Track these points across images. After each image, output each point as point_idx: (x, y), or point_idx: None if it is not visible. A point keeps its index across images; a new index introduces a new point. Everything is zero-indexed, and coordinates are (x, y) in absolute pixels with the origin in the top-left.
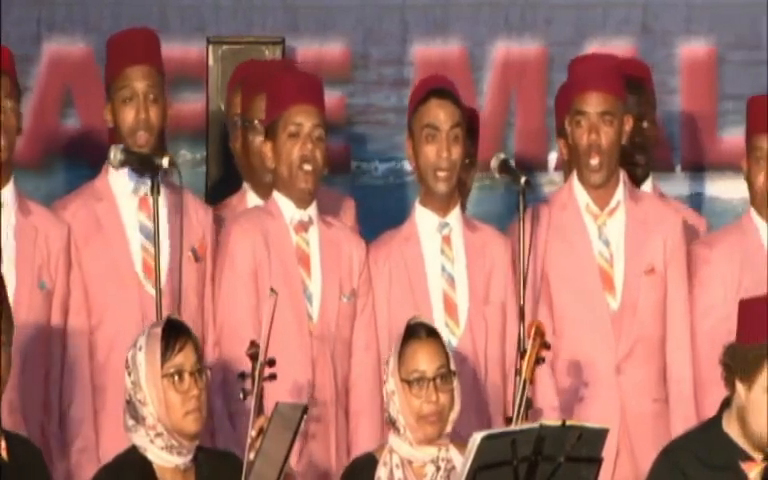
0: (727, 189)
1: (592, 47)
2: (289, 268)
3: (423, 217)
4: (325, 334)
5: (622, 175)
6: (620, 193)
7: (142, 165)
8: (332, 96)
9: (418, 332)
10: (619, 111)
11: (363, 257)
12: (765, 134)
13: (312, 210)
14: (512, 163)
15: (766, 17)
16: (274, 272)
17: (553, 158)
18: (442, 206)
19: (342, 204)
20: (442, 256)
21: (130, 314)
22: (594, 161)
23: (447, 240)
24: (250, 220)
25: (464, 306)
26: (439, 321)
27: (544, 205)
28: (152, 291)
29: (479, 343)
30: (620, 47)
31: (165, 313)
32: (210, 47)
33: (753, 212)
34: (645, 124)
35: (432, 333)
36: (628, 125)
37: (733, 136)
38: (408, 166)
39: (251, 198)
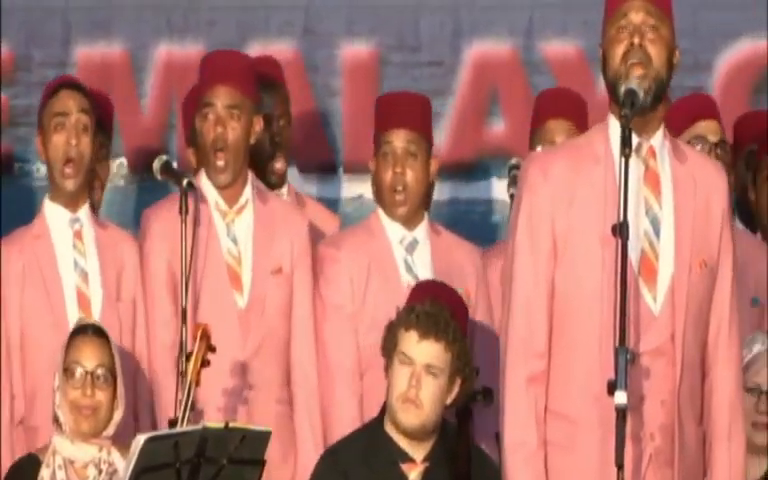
0: None
1: (254, 49)
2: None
3: (53, 213)
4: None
5: (250, 175)
6: (248, 192)
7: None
8: None
9: (85, 329)
10: (248, 109)
11: None
12: (393, 130)
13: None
14: (174, 165)
15: (425, 19)
16: None
17: None
18: (72, 201)
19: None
20: (74, 251)
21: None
22: (220, 162)
23: (79, 235)
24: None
25: (97, 302)
26: (73, 316)
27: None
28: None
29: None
30: (282, 49)
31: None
32: None
33: (380, 211)
34: (281, 123)
35: (98, 332)
36: (258, 125)
37: None
38: None
39: None
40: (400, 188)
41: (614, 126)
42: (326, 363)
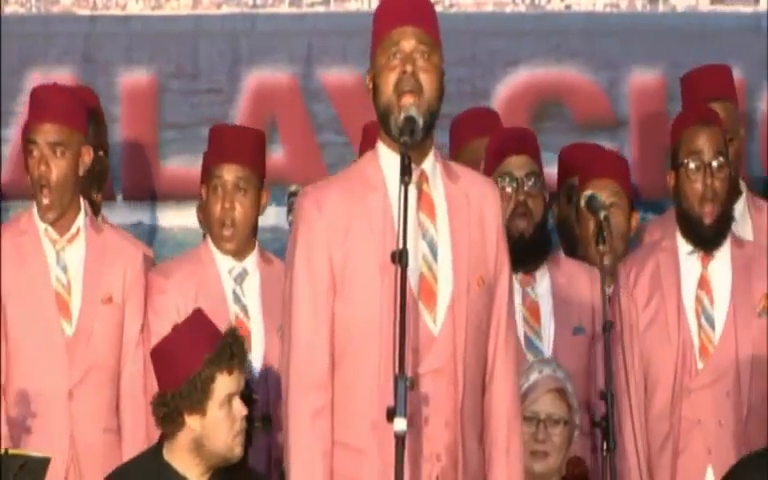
0: (169, 218)
1: (34, 76)
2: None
3: None
4: None
5: (83, 203)
6: (81, 220)
7: None
8: None
9: None
10: (75, 142)
11: None
12: (223, 164)
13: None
14: None
15: (204, 46)
16: None
17: None
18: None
19: None
20: None
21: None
22: (45, 200)
23: None
24: None
25: None
26: None
27: (5, 230)
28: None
29: None
30: (63, 76)
31: None
32: None
33: (210, 241)
34: (101, 153)
35: None
36: (88, 156)
37: (175, 165)
38: None
39: None
40: (228, 223)
41: (385, 153)
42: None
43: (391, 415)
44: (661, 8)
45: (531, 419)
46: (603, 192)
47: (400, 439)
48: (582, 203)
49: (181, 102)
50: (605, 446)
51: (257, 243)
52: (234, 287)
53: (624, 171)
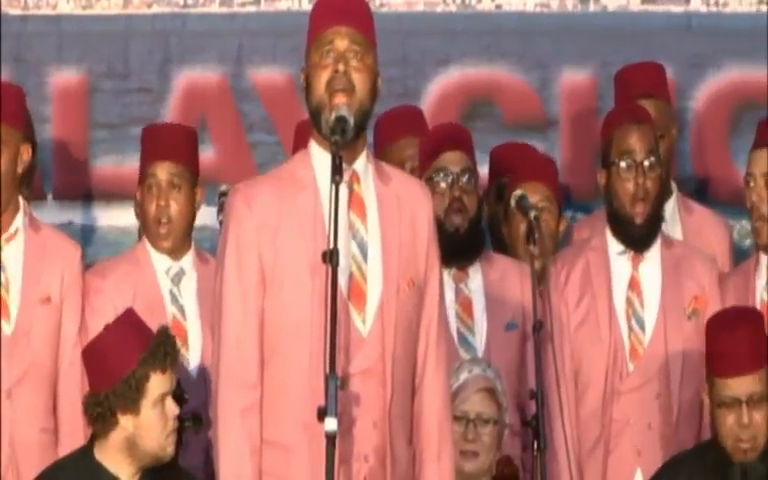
0: (100, 217)
1: None
2: None
3: None
4: None
5: (23, 203)
6: (19, 220)
7: None
8: None
9: None
10: (13, 139)
11: None
12: (157, 162)
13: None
14: None
15: (135, 46)
16: None
17: None
18: None
19: None
20: None
21: None
22: None
23: None
24: None
25: None
26: None
27: None
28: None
29: None
30: None
31: None
32: None
33: (146, 241)
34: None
35: None
36: (27, 154)
37: (105, 165)
38: None
39: None
40: (164, 220)
41: (317, 152)
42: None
43: (322, 414)
44: (592, 8)
45: (461, 419)
46: (533, 196)
47: (331, 439)
48: (512, 203)
49: (112, 102)
50: (536, 445)
51: (193, 243)
52: (171, 287)
53: (553, 174)
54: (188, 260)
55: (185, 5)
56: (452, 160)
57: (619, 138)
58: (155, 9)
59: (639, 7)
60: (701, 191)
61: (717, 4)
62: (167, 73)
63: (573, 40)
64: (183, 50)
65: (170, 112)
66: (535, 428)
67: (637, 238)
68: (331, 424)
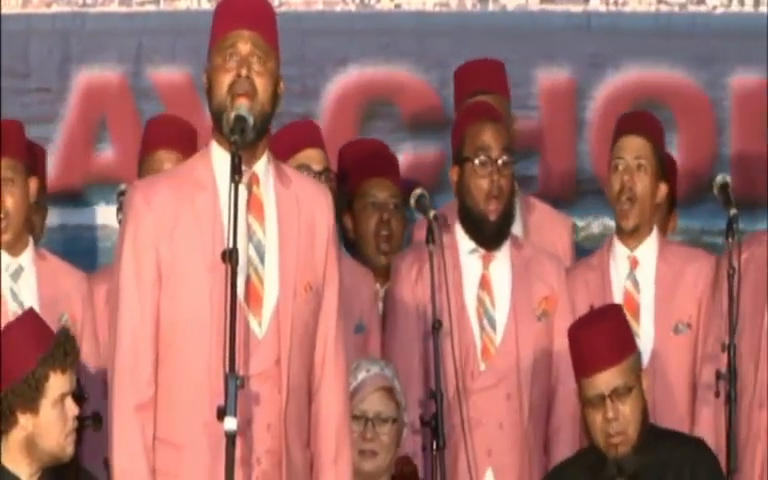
0: None
1: None
2: None
3: None
4: None
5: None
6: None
7: None
8: None
9: None
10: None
11: None
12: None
13: None
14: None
15: (34, 45)
16: None
17: None
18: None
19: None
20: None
21: None
22: None
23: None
24: None
25: None
26: None
27: None
28: None
29: None
30: None
31: None
32: None
33: None
34: None
35: None
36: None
37: None
38: None
39: None
40: (2, 215)
41: (217, 153)
42: None
43: (221, 414)
44: (491, 7)
45: (359, 418)
46: (383, 192)
47: (230, 438)
48: (412, 201)
49: (12, 101)
50: (434, 444)
51: (30, 240)
52: (11, 285)
53: (399, 171)
54: (27, 257)
55: (84, 4)
56: (313, 158)
57: (473, 135)
58: (55, 8)
59: (538, 6)
60: (601, 190)
61: (616, 4)
62: (67, 72)
63: (472, 39)
64: (83, 49)
65: (69, 111)
66: (434, 427)
67: (490, 236)
68: (231, 423)
